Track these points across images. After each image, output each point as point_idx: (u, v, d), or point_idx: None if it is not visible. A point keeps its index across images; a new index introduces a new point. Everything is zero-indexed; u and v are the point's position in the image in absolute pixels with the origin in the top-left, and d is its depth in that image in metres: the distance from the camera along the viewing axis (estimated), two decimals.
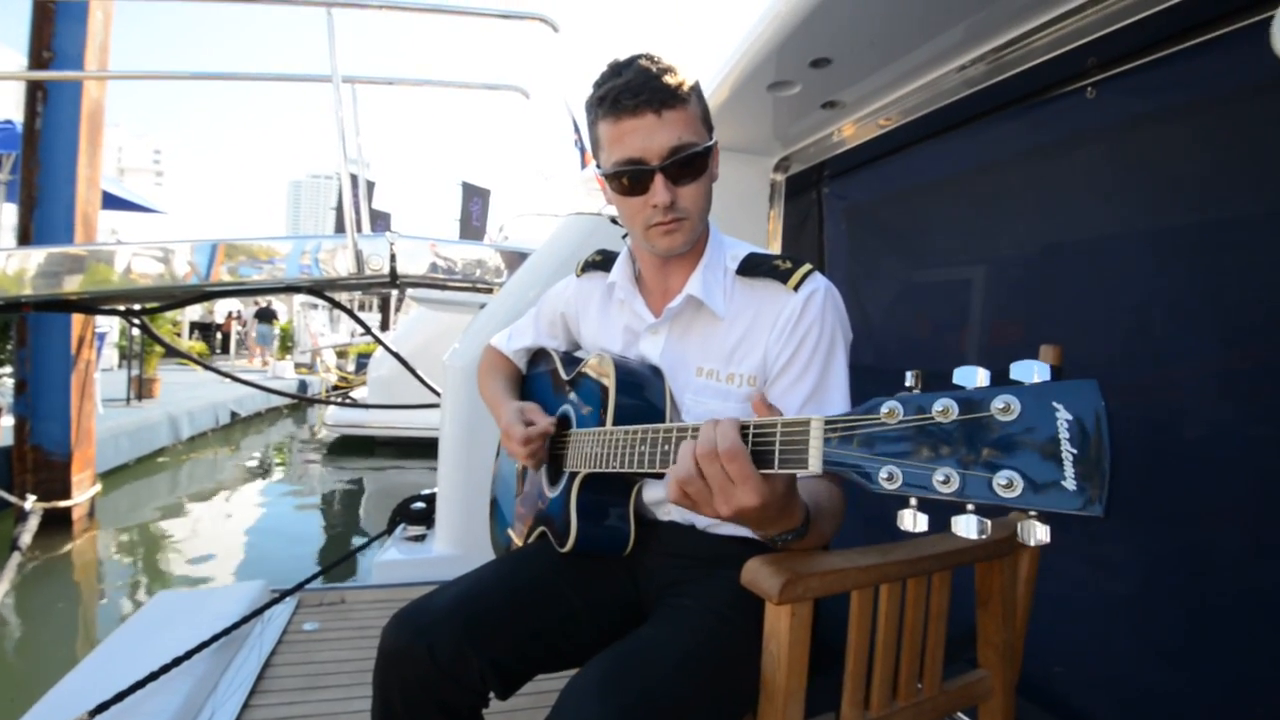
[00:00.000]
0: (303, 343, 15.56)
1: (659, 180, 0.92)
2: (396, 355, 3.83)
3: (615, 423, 0.95)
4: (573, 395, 1.12)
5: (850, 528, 0.93)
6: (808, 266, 0.98)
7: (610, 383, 0.99)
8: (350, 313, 4.09)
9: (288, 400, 10.36)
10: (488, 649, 0.91)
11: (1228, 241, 1.32)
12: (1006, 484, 0.46)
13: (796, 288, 0.96)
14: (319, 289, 3.41)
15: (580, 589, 1.02)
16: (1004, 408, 0.47)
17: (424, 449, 7.01)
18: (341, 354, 15.89)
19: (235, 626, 1.87)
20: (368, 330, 4.27)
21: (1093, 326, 1.50)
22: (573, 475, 1.02)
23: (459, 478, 2.51)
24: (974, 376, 0.50)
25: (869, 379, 1.48)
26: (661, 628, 0.90)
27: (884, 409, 0.55)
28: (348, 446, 8.19)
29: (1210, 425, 1.33)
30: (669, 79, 0.91)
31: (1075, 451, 0.44)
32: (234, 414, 9.51)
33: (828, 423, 0.61)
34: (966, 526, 0.49)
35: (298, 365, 14.92)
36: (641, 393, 1.00)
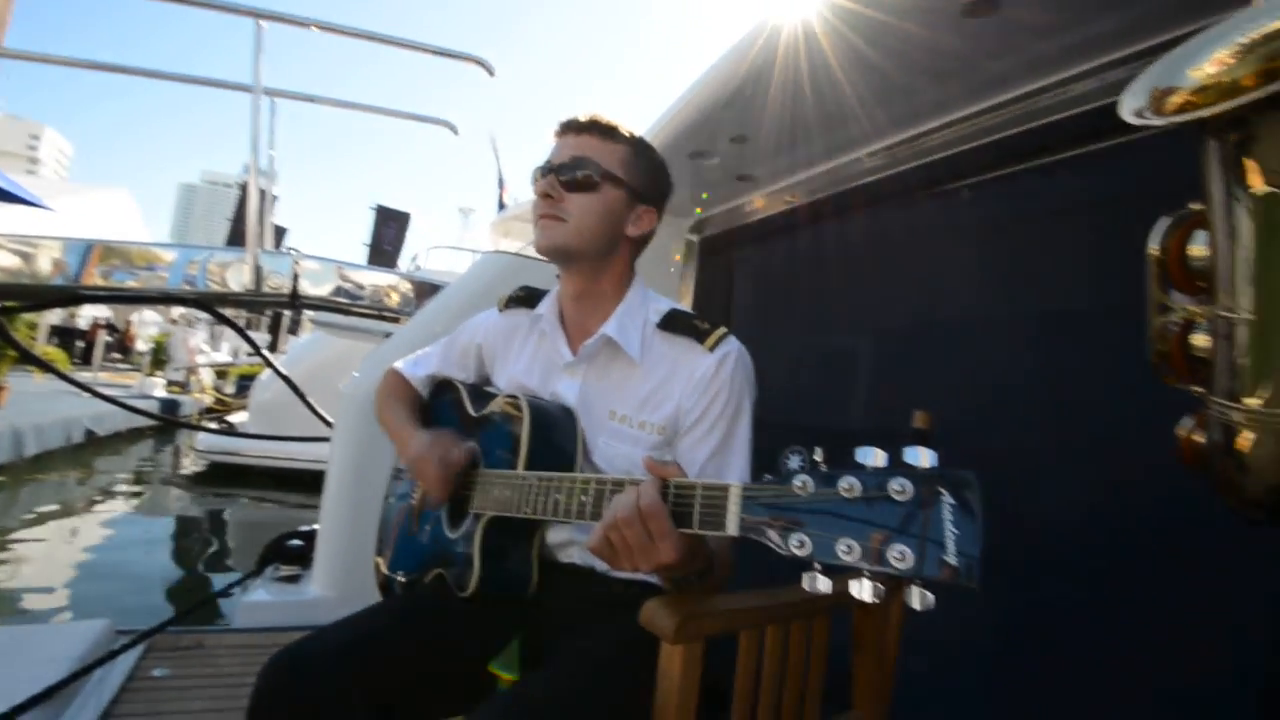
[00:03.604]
0: (178, 358, 14.29)
1: (550, 177, 1.05)
2: (287, 380, 3.60)
3: (528, 467, 0.96)
4: (481, 433, 1.12)
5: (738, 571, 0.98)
6: (724, 330, 1.07)
7: (524, 425, 1.00)
8: (239, 330, 3.83)
9: (154, 421, 9.43)
10: (376, 694, 0.88)
11: (1069, 329, 1.54)
12: (900, 556, 0.54)
13: (712, 349, 1.04)
14: (205, 303, 3.19)
15: (475, 632, 1.01)
16: (900, 490, 0.55)
17: (306, 482, 6.57)
18: (221, 374, 14.74)
19: (74, 677, 1.66)
20: (257, 351, 3.99)
21: (959, 394, 1.68)
22: (477, 517, 1.01)
23: (345, 514, 2.38)
24: (872, 456, 0.58)
25: (769, 433, 1.58)
26: (556, 670, 0.91)
27: (796, 482, 0.61)
28: (219, 475, 7.54)
29: (1055, 486, 1.51)
30: (599, 118, 1.07)
31: (957, 532, 0.52)
32: (90, 432, 8.54)
33: (745, 489, 0.67)
34: (861, 590, 0.56)
35: (170, 383, 13.64)
36: (555, 437, 1.01)
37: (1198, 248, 0.45)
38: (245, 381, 12.09)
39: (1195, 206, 0.44)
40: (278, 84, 3.16)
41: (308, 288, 2.91)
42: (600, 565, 1.05)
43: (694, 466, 1.02)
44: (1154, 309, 0.49)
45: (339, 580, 2.37)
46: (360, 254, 12.19)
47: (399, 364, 1.35)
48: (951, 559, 0.52)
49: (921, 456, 0.55)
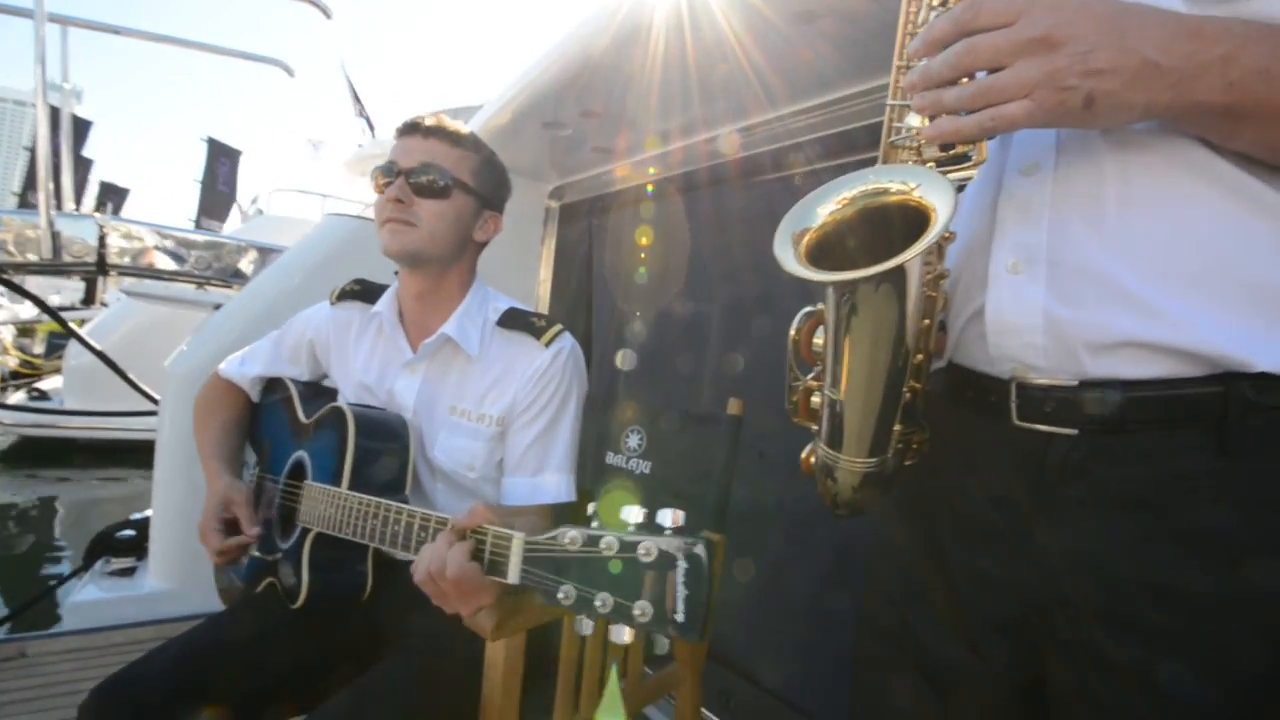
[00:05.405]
0: None
1: (400, 181, 1.05)
2: (99, 353, 3.15)
3: (351, 487, 0.97)
4: (310, 442, 1.10)
5: None
6: (559, 327, 1.13)
7: (349, 442, 1.00)
8: (39, 301, 3.30)
9: None
10: (209, 716, 0.89)
11: None
12: (641, 612, 0.62)
13: (548, 344, 1.10)
14: None
15: (313, 640, 1.02)
16: (646, 551, 0.63)
17: (141, 455, 5.95)
18: (26, 332, 12.79)
19: None
20: (58, 320, 3.42)
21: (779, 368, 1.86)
22: (305, 531, 1.01)
23: (179, 499, 2.23)
24: (634, 514, 0.66)
25: (618, 408, 1.68)
26: (393, 665, 0.95)
27: (568, 537, 0.67)
28: (33, 452, 6.66)
29: None
30: (444, 123, 1.08)
31: (687, 592, 0.60)
32: None
33: (527, 541, 0.72)
34: (620, 635, 0.64)
35: None
36: (382, 452, 1.02)
37: (819, 338, 0.62)
38: (58, 340, 10.57)
39: (822, 306, 0.60)
40: (75, 10, 2.72)
41: (119, 254, 2.58)
42: None
43: (518, 450, 1.09)
44: (791, 374, 0.66)
45: (178, 570, 2.24)
46: (194, 192, 10.92)
47: (225, 365, 1.29)
48: (680, 616, 0.61)
49: (671, 518, 0.64)
